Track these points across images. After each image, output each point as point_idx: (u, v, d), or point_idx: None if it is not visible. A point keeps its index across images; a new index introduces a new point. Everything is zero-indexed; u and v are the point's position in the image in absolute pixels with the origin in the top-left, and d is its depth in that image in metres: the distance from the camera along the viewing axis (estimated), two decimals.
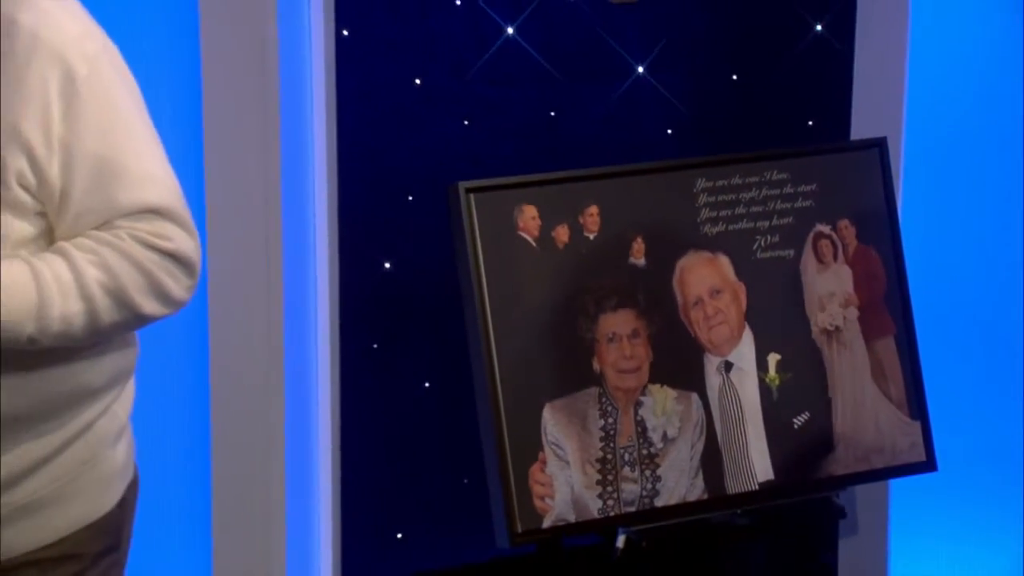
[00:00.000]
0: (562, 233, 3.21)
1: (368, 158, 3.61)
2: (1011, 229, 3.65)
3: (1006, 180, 3.66)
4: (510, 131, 3.73)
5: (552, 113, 3.74)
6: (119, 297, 2.27)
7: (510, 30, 3.70)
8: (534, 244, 3.20)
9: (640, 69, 3.79)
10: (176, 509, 3.33)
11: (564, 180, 3.26)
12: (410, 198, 3.66)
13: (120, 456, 2.49)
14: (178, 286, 2.33)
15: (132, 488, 2.54)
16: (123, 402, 2.49)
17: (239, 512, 3.29)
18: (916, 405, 3.42)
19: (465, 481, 3.69)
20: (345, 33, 3.50)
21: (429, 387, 3.74)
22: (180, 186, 2.36)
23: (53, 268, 2.24)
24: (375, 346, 3.68)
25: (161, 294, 2.31)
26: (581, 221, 3.23)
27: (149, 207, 2.29)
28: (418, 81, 3.65)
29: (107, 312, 2.27)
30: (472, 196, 3.18)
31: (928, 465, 3.43)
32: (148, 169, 2.32)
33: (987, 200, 3.68)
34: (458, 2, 3.65)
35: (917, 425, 3.42)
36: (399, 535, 3.75)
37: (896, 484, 3.64)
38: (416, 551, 3.77)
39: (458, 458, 3.66)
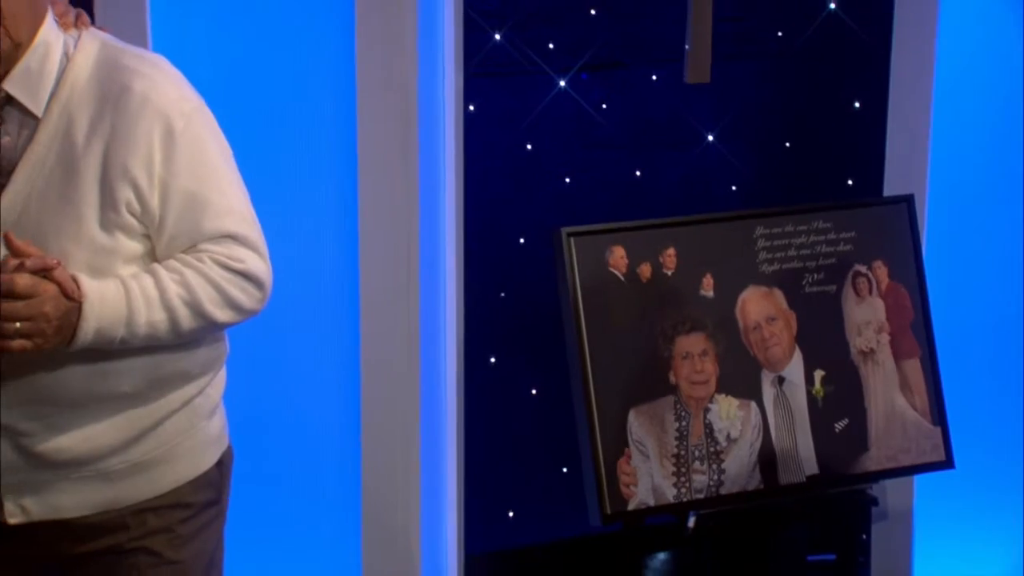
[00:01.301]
0: (645, 270, 3.21)
1: (488, 208, 3.59)
2: (1015, 271, 3.63)
3: (1011, 230, 3.63)
4: (603, 187, 3.73)
5: (637, 172, 3.76)
6: (195, 308, 2.31)
7: (604, 105, 3.70)
8: (622, 279, 3.19)
9: (710, 137, 3.80)
10: (331, 492, 3.31)
11: (647, 227, 3.24)
12: (522, 240, 3.69)
13: (215, 428, 2.52)
14: (249, 299, 2.37)
15: (227, 455, 2.57)
16: (216, 385, 2.52)
17: (383, 493, 3.28)
18: (937, 414, 3.40)
19: (564, 470, 3.69)
20: (471, 108, 3.50)
21: (536, 393, 3.75)
22: (256, 217, 2.39)
23: (142, 285, 2.28)
24: (492, 360, 3.70)
25: (233, 305, 2.36)
26: (661, 260, 3.22)
27: (227, 234, 2.34)
28: (529, 146, 3.68)
29: (186, 320, 2.31)
30: (572, 239, 3.17)
31: (947, 463, 3.40)
32: (228, 203, 2.36)
33: (995, 246, 3.64)
34: (562, 83, 3.67)
35: (938, 430, 3.40)
36: (510, 513, 3.76)
37: (919, 478, 3.60)
38: (524, 527, 3.78)
39: (559, 452, 3.66)
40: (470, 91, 3.45)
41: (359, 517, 3.29)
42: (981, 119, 3.60)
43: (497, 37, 3.59)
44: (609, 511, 3.14)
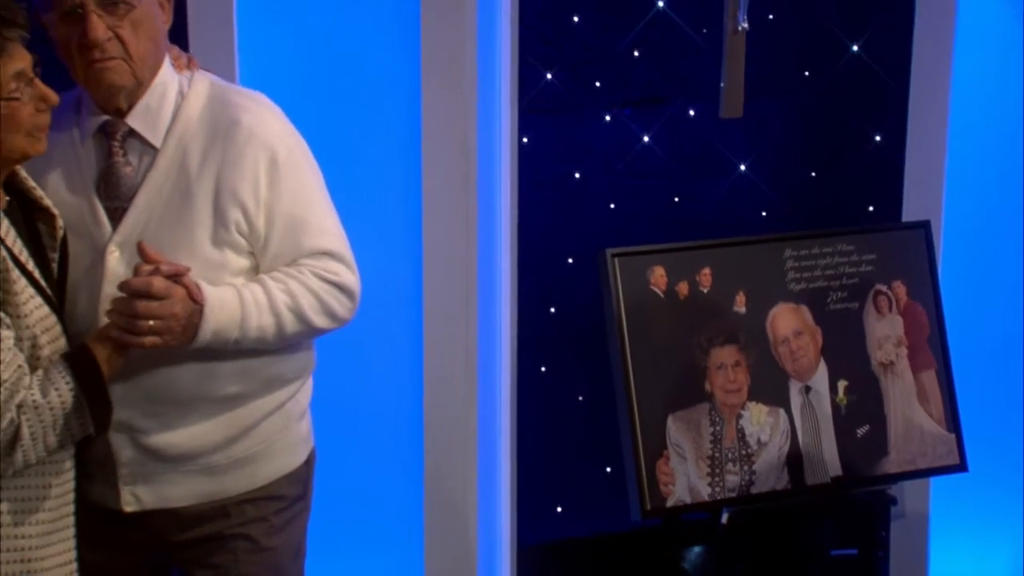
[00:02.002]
0: (683, 288, 3.20)
1: (539, 231, 3.61)
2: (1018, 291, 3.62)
3: (1020, 254, 3.61)
4: (644, 212, 3.74)
5: (676, 199, 3.77)
6: (298, 314, 2.36)
7: (646, 138, 3.72)
8: (662, 296, 3.19)
9: (742, 167, 3.81)
10: (396, 488, 3.32)
11: (685, 248, 3.23)
12: (570, 261, 3.71)
13: (303, 429, 2.57)
14: (342, 308, 2.43)
15: (312, 454, 2.61)
16: (305, 391, 2.56)
17: (444, 488, 3.28)
18: (952, 421, 3.38)
19: (608, 470, 3.70)
20: (524, 140, 3.51)
21: (582, 400, 3.76)
22: (346, 235, 2.45)
23: (253, 292, 2.33)
24: (543, 369, 3.71)
25: (329, 313, 2.41)
26: (698, 279, 3.21)
27: (324, 251, 2.40)
28: (577, 175, 3.70)
29: (290, 325, 2.36)
30: (616, 259, 3.17)
31: (961, 467, 3.38)
32: (324, 224, 2.42)
33: (1006, 268, 3.63)
34: (607, 118, 3.69)
35: (952, 437, 3.37)
36: (559, 508, 3.77)
37: (935, 480, 3.59)
38: (571, 521, 3.78)
39: (603, 453, 3.67)
40: (524, 125, 3.47)
41: (422, 511, 3.30)
42: (993, 151, 3.59)
43: (549, 76, 3.61)
44: (649, 507, 3.14)
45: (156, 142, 2.32)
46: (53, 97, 2.17)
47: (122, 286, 2.19)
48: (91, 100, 2.33)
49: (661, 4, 3.64)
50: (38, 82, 2.15)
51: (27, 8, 2.17)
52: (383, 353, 3.26)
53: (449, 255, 3.19)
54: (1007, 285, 3.64)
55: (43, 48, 2.24)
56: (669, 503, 3.15)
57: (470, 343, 3.24)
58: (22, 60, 2.12)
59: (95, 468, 2.37)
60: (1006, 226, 3.61)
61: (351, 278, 2.43)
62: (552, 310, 3.71)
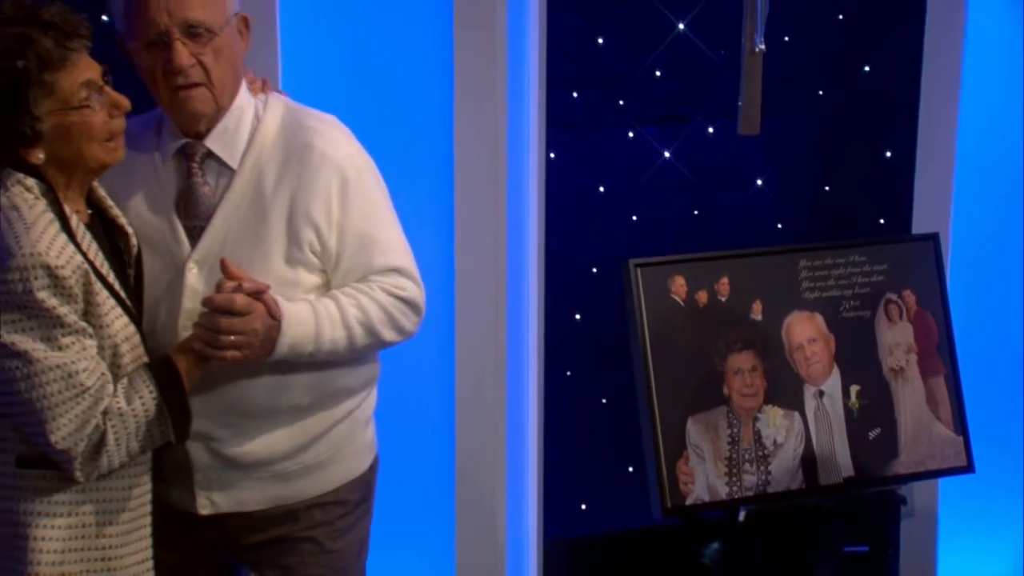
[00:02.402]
0: (702, 296, 3.20)
1: (565, 241, 3.61)
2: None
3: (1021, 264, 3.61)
4: (665, 224, 3.74)
5: (696, 212, 3.77)
6: (369, 328, 2.36)
7: (667, 154, 3.72)
8: (682, 304, 3.19)
9: (759, 182, 3.81)
10: (429, 486, 3.32)
11: (704, 259, 3.24)
12: (594, 270, 3.71)
13: (369, 436, 2.57)
14: (408, 322, 2.43)
15: (376, 460, 2.61)
16: (371, 400, 2.56)
17: (474, 486, 3.28)
18: (959, 425, 3.38)
19: (630, 469, 3.70)
20: (552, 155, 3.51)
21: (606, 402, 3.76)
22: (412, 253, 2.44)
23: (326, 307, 2.32)
24: (568, 373, 3.71)
25: (397, 327, 2.41)
26: (716, 288, 3.21)
27: (392, 267, 2.40)
28: (601, 188, 3.70)
29: (360, 338, 2.36)
30: (639, 269, 3.17)
31: (968, 468, 3.38)
32: (392, 242, 2.42)
33: (1012, 278, 3.63)
34: (631, 134, 3.68)
35: (960, 439, 3.37)
36: (583, 506, 3.77)
37: (943, 480, 3.57)
38: (594, 518, 3.78)
39: (625, 453, 3.67)
40: (551, 141, 3.48)
41: (453, 506, 3.30)
42: (999, 167, 3.59)
43: (575, 95, 3.62)
44: (669, 505, 3.14)
45: (233, 164, 2.32)
46: (125, 103, 2.18)
47: (206, 302, 2.19)
48: (171, 122, 2.33)
49: (682, 27, 3.65)
50: (108, 89, 2.16)
51: (89, 18, 2.18)
52: (417, 357, 3.23)
53: (480, 264, 3.19)
54: (1013, 294, 3.63)
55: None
56: (688, 501, 3.15)
57: (499, 348, 3.24)
58: (89, 69, 2.13)
59: (172, 473, 2.38)
60: (1012, 238, 3.61)
61: (417, 293, 2.43)
62: (577, 317, 3.71)
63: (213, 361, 2.22)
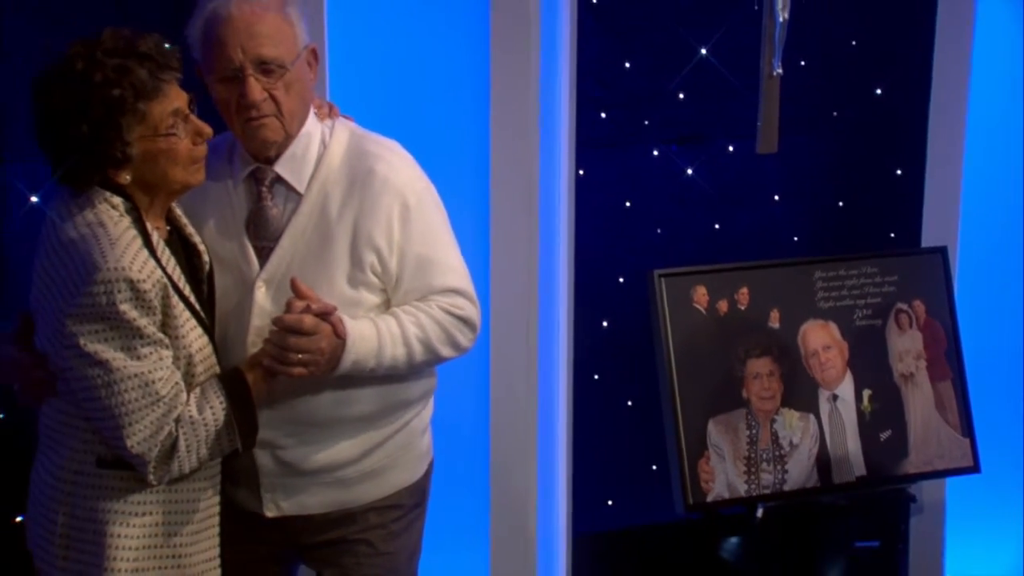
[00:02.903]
0: (723, 305, 3.23)
1: (594, 253, 3.59)
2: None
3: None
4: (688, 237, 3.73)
5: (716, 225, 3.76)
6: (427, 345, 2.37)
7: (689, 171, 3.71)
8: (704, 312, 3.21)
9: (776, 197, 3.81)
10: (465, 483, 3.30)
11: (725, 269, 3.26)
12: (621, 280, 3.69)
13: (425, 444, 2.58)
14: (464, 339, 2.44)
15: (430, 466, 2.62)
16: (427, 411, 2.57)
17: (507, 483, 3.28)
18: (966, 427, 3.39)
19: (654, 468, 3.68)
20: (581, 173, 3.48)
21: (631, 404, 3.75)
22: (469, 273, 2.46)
23: (388, 325, 2.33)
24: (596, 377, 3.70)
25: (454, 343, 2.42)
26: (736, 297, 3.24)
27: (450, 288, 2.40)
28: (628, 203, 3.69)
29: (419, 354, 2.37)
30: (663, 279, 3.20)
31: (974, 468, 3.40)
32: (451, 264, 2.42)
33: (1017, 289, 3.63)
34: (655, 152, 3.67)
35: (967, 441, 3.39)
36: (609, 502, 3.76)
37: (951, 479, 3.58)
38: (620, 513, 3.77)
39: (650, 452, 3.64)
40: (581, 159, 3.46)
41: (488, 502, 3.30)
42: (1004, 184, 3.60)
43: (603, 115, 3.61)
44: (691, 502, 3.15)
45: (300, 188, 2.33)
46: (208, 130, 2.22)
47: (276, 321, 2.21)
48: (242, 148, 2.35)
49: (704, 51, 3.65)
50: (193, 118, 2.20)
51: (181, 49, 2.22)
52: (454, 362, 3.08)
53: (513, 274, 3.20)
54: (1017, 304, 3.63)
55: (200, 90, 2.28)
56: (709, 498, 3.17)
57: (531, 353, 3.25)
58: (178, 99, 2.17)
59: (241, 477, 2.39)
60: (1016, 251, 3.62)
61: (473, 312, 2.43)
62: (605, 324, 3.70)
63: (280, 376, 2.23)
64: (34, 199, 2.97)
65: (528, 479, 3.30)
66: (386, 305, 2.37)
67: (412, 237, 2.34)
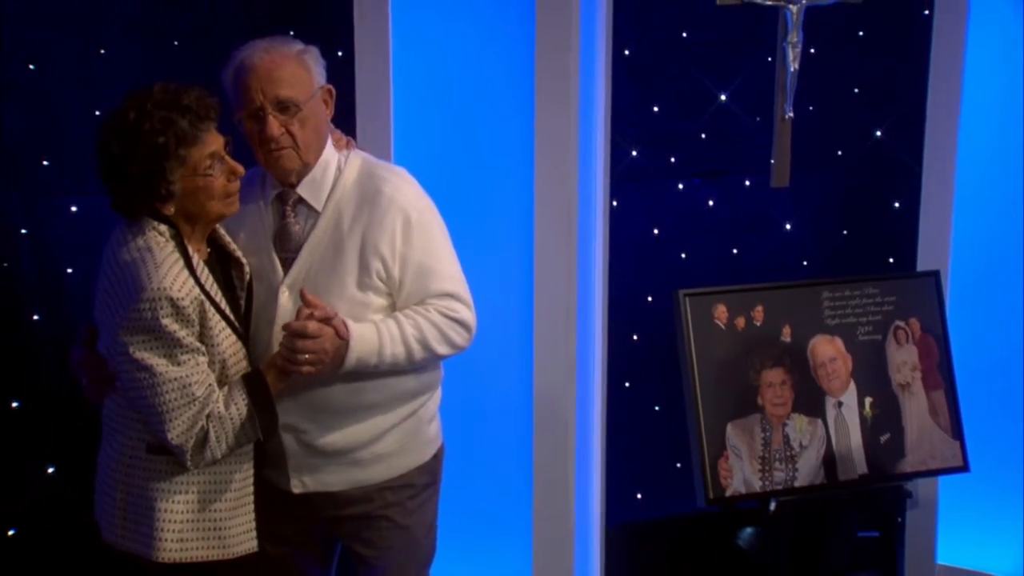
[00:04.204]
0: (740, 321, 3.23)
1: (625, 275, 3.57)
2: (1016, 326, 3.59)
3: (1013, 297, 3.59)
4: (709, 261, 3.74)
5: (735, 251, 3.76)
6: (424, 344, 2.41)
7: (711, 202, 3.72)
8: (723, 328, 3.22)
9: (788, 226, 3.80)
10: (510, 479, 3.31)
11: (742, 290, 3.27)
12: (649, 299, 3.69)
13: (432, 431, 2.60)
14: (460, 338, 2.46)
15: (440, 450, 2.64)
16: (434, 400, 2.59)
17: (547, 479, 3.26)
18: (956, 431, 3.38)
19: (678, 466, 3.67)
20: (614, 204, 3.48)
21: (658, 409, 3.75)
22: (464, 278, 2.47)
23: (388, 327, 2.39)
24: (627, 384, 3.69)
25: (449, 343, 2.45)
26: (752, 314, 3.24)
27: (447, 293, 2.44)
28: (656, 231, 3.69)
29: (418, 352, 2.41)
30: (687, 298, 3.20)
31: (964, 468, 3.39)
32: (447, 271, 2.45)
33: (1003, 309, 3.61)
34: (680, 186, 3.68)
35: (957, 443, 3.38)
36: (639, 496, 3.75)
37: (943, 478, 3.56)
38: (648, 506, 3.76)
39: (675, 452, 3.63)
40: (614, 191, 3.47)
41: (531, 495, 3.30)
42: (991, 215, 3.59)
43: (634, 153, 3.62)
44: (711, 496, 3.17)
45: (318, 207, 2.41)
46: (240, 170, 2.32)
47: (285, 327, 2.29)
48: (271, 176, 2.45)
49: (723, 97, 3.65)
50: (228, 159, 2.30)
51: (220, 99, 2.31)
52: (502, 371, 3.28)
53: (554, 293, 3.21)
54: (1003, 322, 3.62)
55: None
56: (728, 493, 3.18)
57: (570, 363, 3.24)
58: (214, 143, 2.27)
59: (272, 459, 2.46)
60: (1005, 275, 3.61)
61: (468, 315, 2.46)
62: (635, 338, 3.69)
63: (294, 374, 2.31)
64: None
65: (567, 475, 3.29)
66: (392, 307, 2.43)
67: (413, 247, 2.41)
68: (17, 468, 3.14)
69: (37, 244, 3.11)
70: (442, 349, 2.45)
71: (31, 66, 3.05)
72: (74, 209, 3.13)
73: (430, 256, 2.43)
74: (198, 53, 3.11)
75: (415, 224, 2.41)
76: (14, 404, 3.13)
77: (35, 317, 3.13)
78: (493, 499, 3.33)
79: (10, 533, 3.16)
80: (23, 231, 3.10)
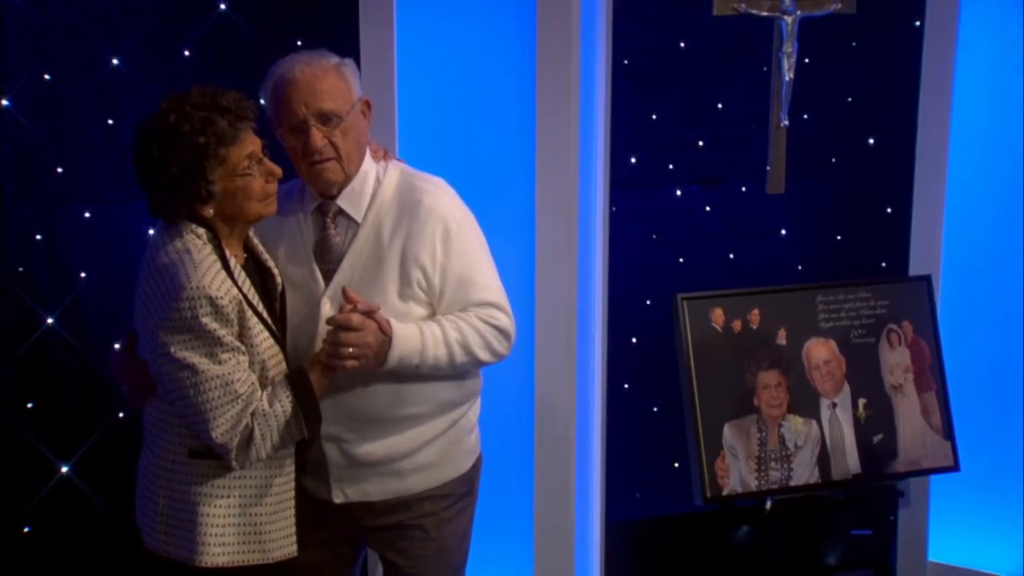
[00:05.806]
0: (737, 325, 3.23)
1: (625, 278, 3.56)
2: (1011, 329, 3.58)
3: (1005, 301, 3.59)
4: (707, 265, 3.73)
5: (731, 255, 3.76)
6: (466, 348, 2.38)
7: (708, 208, 3.72)
8: (720, 330, 3.21)
9: (783, 231, 3.80)
10: (512, 475, 3.29)
11: (739, 294, 3.26)
12: (648, 302, 3.69)
13: (472, 441, 2.58)
14: (500, 345, 2.44)
15: (479, 460, 2.62)
16: (474, 410, 2.58)
17: (548, 477, 3.27)
18: (947, 431, 3.39)
19: (676, 465, 3.67)
20: (614, 209, 3.46)
21: (657, 410, 3.73)
22: (504, 288, 2.46)
23: (431, 329, 2.36)
24: (626, 386, 3.69)
25: (490, 349, 2.43)
26: (749, 318, 3.24)
27: (487, 302, 2.42)
28: (654, 236, 3.69)
29: (459, 356, 2.38)
30: (685, 302, 3.20)
31: (955, 468, 3.39)
32: (487, 281, 2.44)
33: (993, 313, 3.61)
34: (678, 192, 3.67)
35: (948, 444, 3.38)
36: (637, 494, 3.75)
37: (934, 477, 3.55)
38: (647, 504, 3.75)
39: (673, 451, 3.63)
40: (614, 197, 3.46)
41: (532, 493, 3.30)
42: (980, 221, 3.60)
43: (633, 160, 3.62)
44: (709, 495, 3.16)
45: (358, 218, 2.38)
46: (278, 171, 2.30)
47: (329, 321, 2.27)
48: (311, 189, 2.42)
49: (720, 106, 3.65)
50: (266, 160, 2.28)
51: (256, 101, 2.29)
52: (504, 372, 3.15)
53: (555, 295, 3.20)
54: (995, 325, 3.63)
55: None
56: (724, 492, 3.18)
57: (571, 365, 3.23)
58: (252, 144, 2.25)
59: (312, 468, 2.43)
60: (994, 279, 3.61)
61: (507, 322, 2.44)
62: (634, 340, 3.69)
63: (339, 372, 2.27)
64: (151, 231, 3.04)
65: (567, 473, 3.29)
66: (432, 317, 2.41)
67: (453, 257, 2.38)
68: (32, 467, 3.15)
69: (51, 249, 3.13)
70: (483, 355, 2.42)
71: (46, 75, 3.06)
72: (87, 215, 3.14)
73: (470, 266, 2.41)
74: (209, 62, 3.12)
75: (454, 234, 2.39)
76: (29, 405, 3.15)
77: (49, 320, 3.15)
78: (495, 498, 3.26)
79: (25, 531, 3.17)
80: (38, 236, 3.12)
